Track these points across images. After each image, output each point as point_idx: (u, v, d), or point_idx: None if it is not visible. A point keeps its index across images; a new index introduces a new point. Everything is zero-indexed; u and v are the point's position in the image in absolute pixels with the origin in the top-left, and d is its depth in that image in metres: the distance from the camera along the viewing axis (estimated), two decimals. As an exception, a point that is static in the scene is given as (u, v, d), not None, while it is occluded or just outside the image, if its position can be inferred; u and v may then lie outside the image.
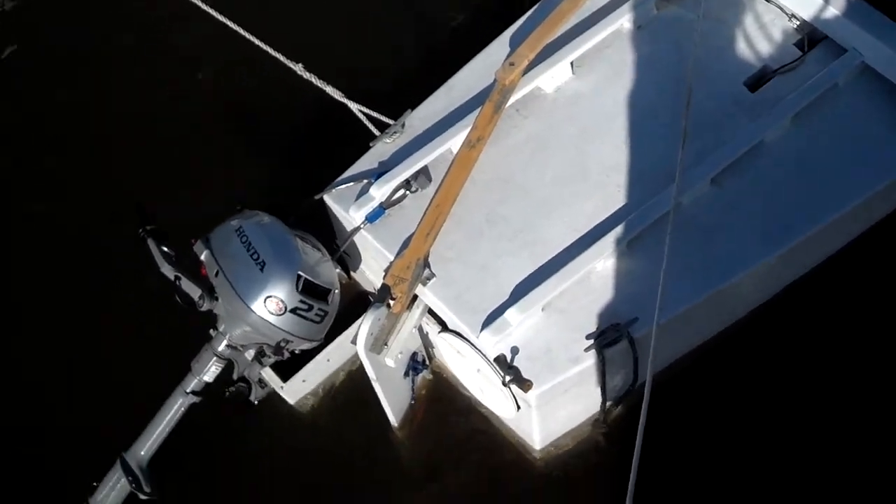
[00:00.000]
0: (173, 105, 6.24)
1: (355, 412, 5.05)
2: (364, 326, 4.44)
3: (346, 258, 5.11)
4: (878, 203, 4.97)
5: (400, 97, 5.30)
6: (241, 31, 5.24)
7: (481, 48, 5.36)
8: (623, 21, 5.27)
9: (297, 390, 5.09)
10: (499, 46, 5.38)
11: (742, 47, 5.18)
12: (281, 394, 5.02)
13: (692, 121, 4.78)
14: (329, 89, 5.11)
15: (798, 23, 5.20)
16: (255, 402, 4.79)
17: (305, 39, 6.15)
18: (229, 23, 5.26)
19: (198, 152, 6.04)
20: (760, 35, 5.21)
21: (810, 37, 5.15)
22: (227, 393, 4.75)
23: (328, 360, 5.04)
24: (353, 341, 4.47)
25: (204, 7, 5.29)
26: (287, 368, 4.99)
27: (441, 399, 5.09)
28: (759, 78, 5.08)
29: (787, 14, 5.22)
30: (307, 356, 4.95)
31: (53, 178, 6.06)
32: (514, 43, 5.32)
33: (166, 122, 6.16)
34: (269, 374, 4.93)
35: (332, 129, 5.44)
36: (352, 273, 5.23)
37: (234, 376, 4.73)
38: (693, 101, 4.82)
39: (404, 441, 5.03)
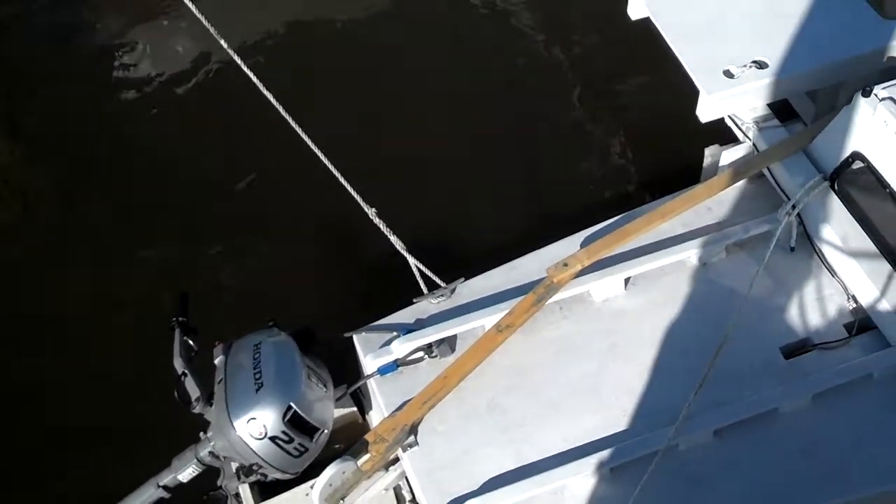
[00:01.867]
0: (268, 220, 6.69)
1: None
2: (324, 476, 4.60)
3: (364, 400, 5.31)
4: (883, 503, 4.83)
5: (473, 264, 5.54)
6: (328, 164, 5.57)
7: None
8: (690, 255, 5.40)
9: None
10: (570, 242, 5.57)
11: (792, 313, 5.21)
12: None
13: (718, 370, 4.82)
14: (393, 238, 5.39)
15: (854, 305, 5.19)
16: None
17: (404, 191, 6.52)
18: (322, 156, 5.62)
19: (266, 262, 6.43)
20: (815, 306, 5.23)
21: (861, 322, 5.14)
22: (205, 497, 4.88)
23: (307, 495, 5.16)
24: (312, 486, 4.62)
25: (308, 142, 5.66)
26: (270, 490, 5.09)
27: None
28: (798, 347, 5.10)
29: (847, 294, 5.22)
30: (290, 485, 5.04)
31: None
32: (587, 243, 5.48)
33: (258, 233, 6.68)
34: (245, 492, 5.06)
35: (395, 273, 5.65)
36: (367, 415, 5.40)
37: (218, 482, 4.86)
38: (725, 351, 4.87)
39: None
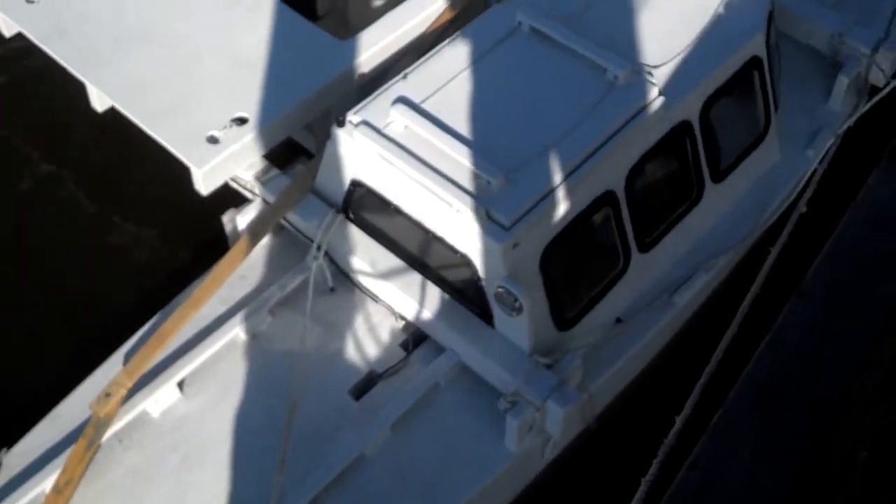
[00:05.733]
0: None
1: None
2: None
3: None
4: (490, 496, 4.96)
5: (13, 428, 5.01)
6: None
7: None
8: (237, 331, 5.22)
9: None
10: (112, 364, 5.19)
11: (350, 352, 5.23)
12: None
13: (298, 438, 4.71)
14: None
15: (404, 323, 5.29)
16: None
17: None
18: None
19: None
20: (369, 337, 5.27)
21: (414, 337, 5.25)
22: None
23: None
24: None
25: None
26: None
27: None
28: (366, 384, 5.11)
29: (394, 314, 5.30)
30: None
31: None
32: (128, 360, 5.12)
33: None
34: None
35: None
36: None
37: None
38: (299, 416, 4.77)
39: None
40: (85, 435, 4.76)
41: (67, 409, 5.01)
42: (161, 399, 4.99)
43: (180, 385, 5.08)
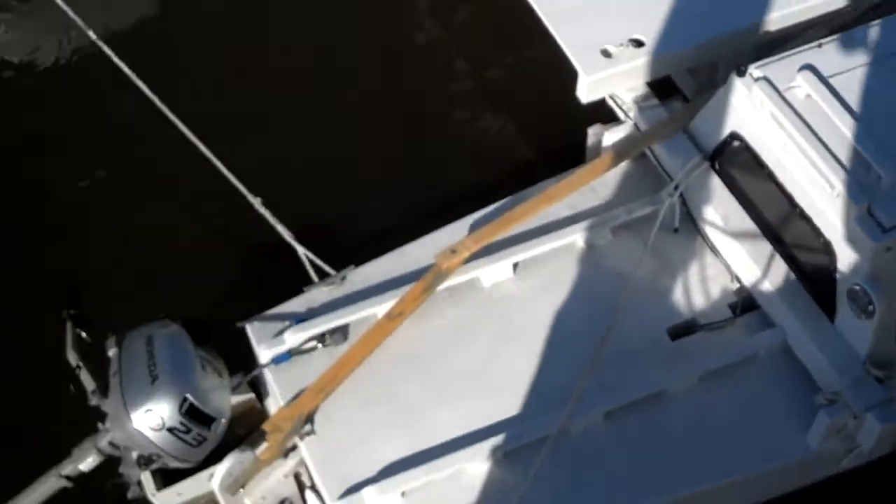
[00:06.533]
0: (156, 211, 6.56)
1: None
2: (223, 466, 4.56)
3: (261, 387, 5.22)
4: (770, 480, 4.98)
5: (363, 251, 5.49)
6: (208, 154, 5.43)
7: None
8: (577, 237, 5.42)
9: (168, 502, 5.08)
10: (459, 227, 5.53)
11: (678, 294, 5.30)
12: (152, 500, 5.03)
13: (606, 353, 4.86)
14: (280, 228, 5.29)
15: (738, 286, 5.29)
16: (130, 499, 4.83)
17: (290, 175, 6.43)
18: (202, 146, 5.46)
19: (157, 253, 6.32)
20: (699, 287, 5.32)
21: (745, 303, 5.24)
22: (111, 483, 4.80)
23: (209, 479, 5.05)
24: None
25: (186, 132, 5.48)
26: (172, 475, 4.98)
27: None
28: (685, 329, 5.18)
29: (731, 274, 5.33)
30: (192, 469, 4.93)
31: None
32: (474, 227, 5.46)
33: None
34: (146, 478, 4.96)
35: (285, 262, 5.51)
36: (265, 402, 5.32)
37: (119, 470, 4.78)
38: (614, 334, 4.90)
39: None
40: (425, 279, 5.12)
41: (413, 251, 5.39)
42: (495, 273, 5.28)
43: (514, 266, 5.31)
